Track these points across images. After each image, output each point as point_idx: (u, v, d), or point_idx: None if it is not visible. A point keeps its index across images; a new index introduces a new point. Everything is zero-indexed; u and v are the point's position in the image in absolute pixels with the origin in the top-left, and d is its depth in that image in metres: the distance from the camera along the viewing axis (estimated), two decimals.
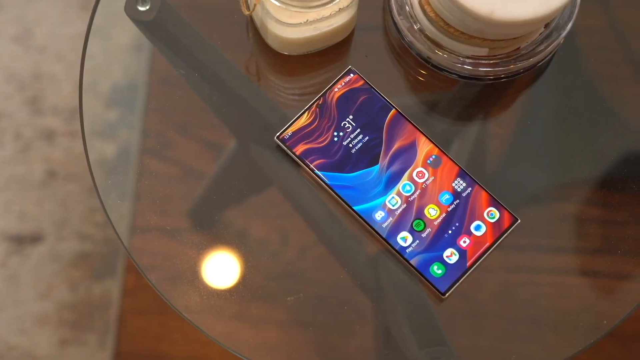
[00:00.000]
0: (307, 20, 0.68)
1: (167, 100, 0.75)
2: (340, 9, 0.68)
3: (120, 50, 0.78)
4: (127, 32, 0.77)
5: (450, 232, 0.69)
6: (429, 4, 0.70)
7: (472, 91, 0.74)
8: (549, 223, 0.72)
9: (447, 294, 0.68)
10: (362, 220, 0.69)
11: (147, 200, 0.72)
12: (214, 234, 0.71)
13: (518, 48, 0.72)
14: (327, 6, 0.67)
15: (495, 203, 0.70)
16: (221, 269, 0.71)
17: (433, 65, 0.73)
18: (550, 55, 0.74)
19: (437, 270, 0.68)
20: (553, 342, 0.69)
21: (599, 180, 0.73)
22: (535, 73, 0.75)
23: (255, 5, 0.69)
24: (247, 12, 0.70)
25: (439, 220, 0.69)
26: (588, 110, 0.75)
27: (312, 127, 0.71)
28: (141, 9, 0.76)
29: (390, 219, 0.69)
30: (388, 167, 0.70)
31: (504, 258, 0.70)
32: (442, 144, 0.71)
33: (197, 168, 0.73)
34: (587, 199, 0.73)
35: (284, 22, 0.68)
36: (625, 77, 0.77)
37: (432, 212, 0.69)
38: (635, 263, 0.71)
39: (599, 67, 0.76)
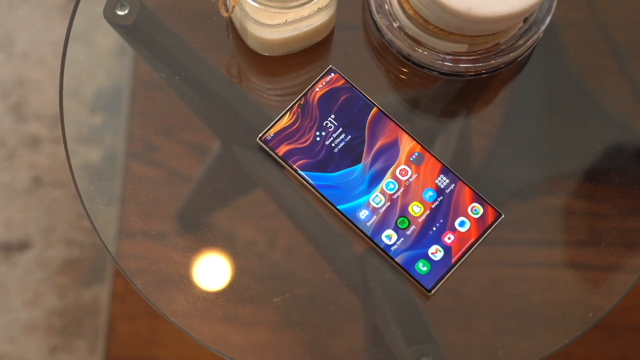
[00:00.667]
0: (287, 21, 0.68)
1: (151, 103, 0.74)
2: (319, 8, 0.68)
3: (103, 54, 0.78)
4: (109, 37, 0.77)
5: (434, 228, 0.69)
6: (408, 2, 0.70)
7: (454, 87, 0.74)
8: (534, 217, 0.72)
9: (433, 291, 0.68)
10: (346, 220, 0.69)
11: (133, 204, 0.72)
12: (200, 237, 0.71)
13: (498, 43, 0.72)
14: (305, 6, 0.67)
15: (478, 199, 0.70)
16: (208, 271, 0.71)
17: (413, 63, 0.73)
18: (531, 49, 0.74)
19: (422, 267, 0.68)
20: (541, 335, 0.69)
21: (582, 173, 0.73)
22: (516, 68, 0.75)
23: (233, 7, 0.69)
24: (225, 14, 0.70)
25: (423, 217, 0.69)
26: (570, 103, 0.75)
27: (294, 127, 0.71)
28: (120, 13, 0.76)
29: (375, 217, 0.69)
30: (371, 165, 0.70)
31: (490, 253, 0.70)
32: (424, 141, 0.71)
33: (182, 171, 0.73)
34: (571, 192, 0.73)
35: (263, 23, 0.68)
36: (607, 69, 0.77)
37: (416, 209, 0.69)
38: (620, 254, 0.71)
39: (580, 59, 0.76)
